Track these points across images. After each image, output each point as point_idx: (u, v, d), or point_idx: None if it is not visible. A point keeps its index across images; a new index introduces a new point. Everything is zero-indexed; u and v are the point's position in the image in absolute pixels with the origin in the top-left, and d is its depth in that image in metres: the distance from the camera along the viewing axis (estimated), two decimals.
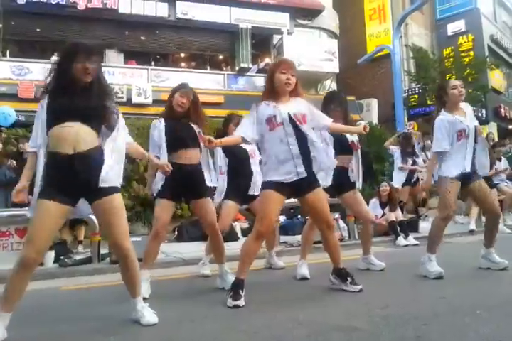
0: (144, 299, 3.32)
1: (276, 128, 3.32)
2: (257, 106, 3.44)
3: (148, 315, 2.80)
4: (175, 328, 2.74)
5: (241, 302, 3.14)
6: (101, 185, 2.60)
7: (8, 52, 14.97)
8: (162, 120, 3.68)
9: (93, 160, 2.61)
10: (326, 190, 3.81)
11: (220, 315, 3.01)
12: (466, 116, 4.03)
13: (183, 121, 3.67)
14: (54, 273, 4.86)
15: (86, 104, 2.62)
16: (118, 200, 2.70)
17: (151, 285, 3.70)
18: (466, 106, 4.13)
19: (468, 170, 3.93)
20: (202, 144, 3.59)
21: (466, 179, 3.96)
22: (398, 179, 7.84)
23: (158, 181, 3.61)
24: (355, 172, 4.29)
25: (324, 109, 4.15)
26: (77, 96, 2.62)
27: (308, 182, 3.35)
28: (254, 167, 4.51)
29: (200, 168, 3.68)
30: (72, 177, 2.57)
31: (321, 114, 3.59)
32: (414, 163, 7.91)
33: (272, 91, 3.43)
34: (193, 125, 3.67)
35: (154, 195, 3.67)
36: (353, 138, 4.30)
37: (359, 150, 4.36)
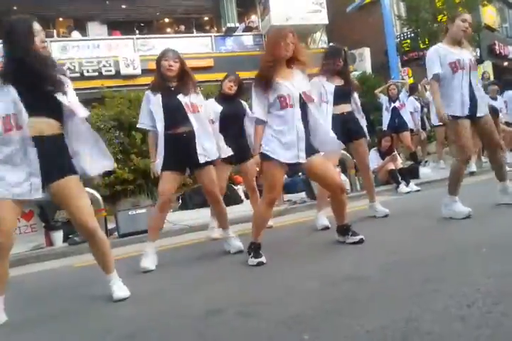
0: (150, 271, 3.43)
1: (287, 109, 3.23)
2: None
3: (118, 289, 2.80)
4: (188, 292, 2.81)
5: (263, 259, 3.22)
6: None
7: None
8: (158, 95, 3.58)
9: None
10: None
11: (231, 275, 3.09)
12: (462, 51, 3.94)
13: (173, 93, 3.57)
14: (65, 251, 4.96)
15: None
16: None
17: (163, 254, 3.77)
18: (467, 47, 4.05)
19: (467, 105, 3.84)
20: (199, 112, 3.59)
21: (471, 113, 3.87)
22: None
23: (159, 157, 3.61)
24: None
25: (326, 63, 4.29)
26: None
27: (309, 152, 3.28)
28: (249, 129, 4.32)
29: (194, 137, 3.57)
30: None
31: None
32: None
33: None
34: (179, 97, 3.57)
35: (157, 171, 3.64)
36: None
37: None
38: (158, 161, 3.61)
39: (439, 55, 3.90)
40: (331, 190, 3.46)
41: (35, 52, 2.55)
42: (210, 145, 3.63)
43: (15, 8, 14.54)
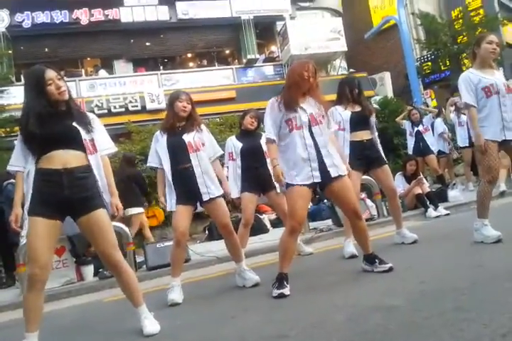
0: (177, 304, 3.46)
1: (294, 131, 3.32)
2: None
3: (150, 324, 2.79)
4: (217, 325, 2.78)
5: (286, 290, 3.18)
6: None
7: (21, 76, 15.33)
8: (164, 135, 3.72)
9: None
10: (358, 166, 4.14)
11: (259, 307, 3.06)
12: (494, 75, 3.88)
13: (179, 133, 3.69)
14: (95, 286, 5.02)
15: None
16: None
17: (191, 286, 3.77)
18: (497, 70, 4.02)
19: (503, 129, 3.76)
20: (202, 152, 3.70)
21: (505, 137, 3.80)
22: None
23: (169, 193, 3.69)
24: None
25: (341, 92, 4.43)
26: None
27: (329, 175, 3.32)
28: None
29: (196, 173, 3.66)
30: None
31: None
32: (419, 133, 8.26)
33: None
34: (184, 136, 3.68)
35: (169, 209, 3.69)
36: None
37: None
38: (166, 198, 3.70)
39: (470, 82, 3.84)
40: (347, 215, 3.51)
41: (47, 102, 2.66)
42: (211, 183, 3.67)
43: (46, 49, 15.32)
